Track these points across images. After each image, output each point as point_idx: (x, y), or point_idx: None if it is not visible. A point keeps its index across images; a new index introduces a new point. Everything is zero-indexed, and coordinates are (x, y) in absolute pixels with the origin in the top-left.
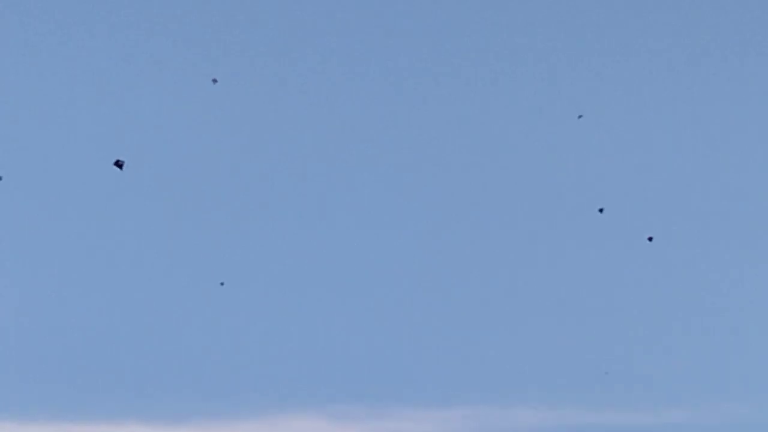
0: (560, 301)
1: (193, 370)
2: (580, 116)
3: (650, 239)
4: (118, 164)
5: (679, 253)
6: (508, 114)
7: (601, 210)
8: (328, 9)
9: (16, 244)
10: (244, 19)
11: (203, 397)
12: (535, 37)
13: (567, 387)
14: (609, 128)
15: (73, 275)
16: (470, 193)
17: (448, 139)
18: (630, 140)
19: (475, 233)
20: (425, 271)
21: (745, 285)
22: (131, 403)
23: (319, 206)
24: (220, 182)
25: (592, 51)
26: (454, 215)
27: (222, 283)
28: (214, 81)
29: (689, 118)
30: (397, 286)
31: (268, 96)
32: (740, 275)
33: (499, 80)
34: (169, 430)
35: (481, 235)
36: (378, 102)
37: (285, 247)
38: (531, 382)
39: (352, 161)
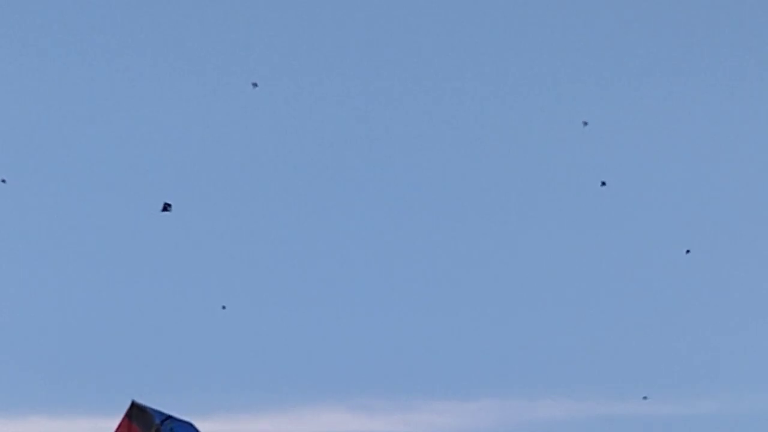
0: (583, 296)
1: (220, 365)
2: (585, 123)
3: (688, 252)
4: (166, 207)
5: (703, 253)
6: (521, 117)
7: (603, 183)
8: (336, 19)
9: (48, 244)
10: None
11: (230, 391)
12: (538, 39)
13: (589, 379)
14: (625, 131)
15: (99, 279)
16: (486, 191)
17: (457, 142)
18: (643, 141)
19: (498, 231)
20: (450, 267)
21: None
22: (162, 398)
23: (342, 204)
24: (236, 180)
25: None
26: (478, 214)
27: (224, 307)
28: (254, 85)
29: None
30: (421, 281)
31: (271, 101)
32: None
33: (505, 82)
34: (199, 422)
35: (505, 232)
36: (378, 106)
37: (308, 245)
38: (553, 375)
39: (369, 162)
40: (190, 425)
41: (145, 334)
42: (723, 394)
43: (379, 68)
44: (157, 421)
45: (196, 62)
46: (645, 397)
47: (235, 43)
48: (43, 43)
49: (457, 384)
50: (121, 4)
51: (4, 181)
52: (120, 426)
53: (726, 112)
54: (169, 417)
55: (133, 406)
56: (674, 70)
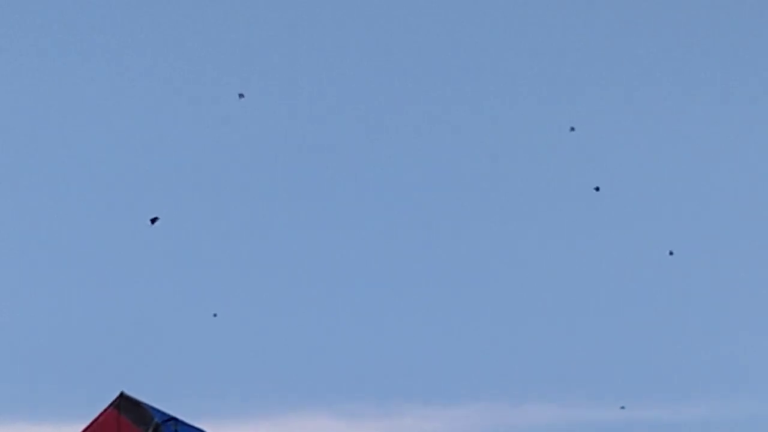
0: (569, 301)
1: (206, 371)
2: (572, 128)
3: (671, 253)
4: (153, 220)
5: (692, 257)
6: (514, 121)
7: (597, 188)
8: (336, 30)
9: (38, 250)
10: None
11: (214, 398)
12: (535, 43)
13: (576, 384)
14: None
15: (86, 284)
16: (474, 198)
17: (462, 145)
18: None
19: (486, 236)
20: (434, 272)
21: (759, 287)
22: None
23: (328, 210)
24: (236, 186)
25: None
26: (468, 218)
27: (215, 315)
28: (241, 96)
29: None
30: (406, 286)
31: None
32: (754, 278)
33: (497, 86)
34: None
35: (492, 237)
36: (374, 109)
37: (295, 252)
38: (540, 380)
39: (368, 165)
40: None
41: (131, 339)
42: (712, 399)
43: (375, 72)
44: (158, 419)
45: (193, 64)
46: (623, 407)
47: (234, 43)
48: (42, 43)
49: (443, 389)
50: (120, 6)
51: None
52: (104, 415)
53: (717, 116)
54: (174, 419)
55: (123, 397)
56: (665, 75)
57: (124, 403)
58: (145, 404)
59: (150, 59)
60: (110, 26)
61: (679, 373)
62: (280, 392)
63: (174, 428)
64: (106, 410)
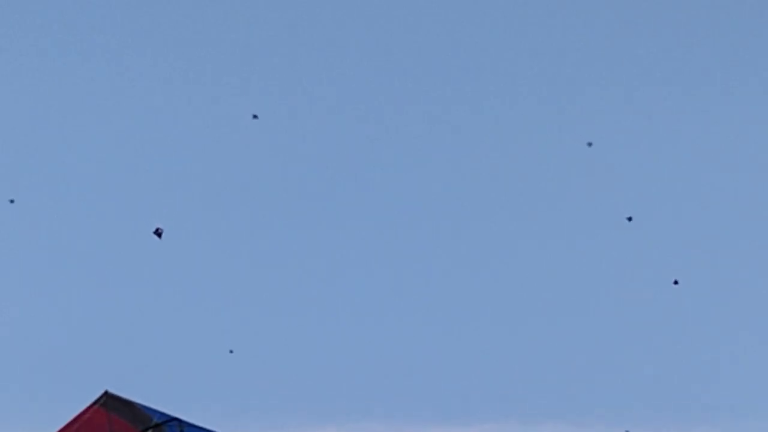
0: (584, 321)
1: (215, 388)
2: (590, 144)
3: (676, 282)
4: (158, 233)
5: (708, 281)
6: (525, 133)
7: (629, 218)
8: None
9: (42, 262)
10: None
11: (227, 416)
12: (549, 54)
13: (589, 404)
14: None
15: (89, 292)
16: (483, 196)
17: (462, 145)
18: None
19: (497, 256)
20: (446, 291)
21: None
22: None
23: (342, 225)
24: (235, 185)
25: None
26: (477, 237)
27: (231, 351)
28: (255, 117)
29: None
30: (417, 305)
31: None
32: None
33: (508, 96)
34: None
35: (503, 257)
36: (377, 108)
37: (305, 269)
38: (552, 400)
39: (378, 178)
40: None
41: (139, 355)
42: (722, 420)
43: (375, 72)
44: (158, 419)
45: (194, 64)
46: (627, 431)
47: (234, 43)
48: (42, 44)
49: (454, 409)
50: (120, 6)
51: (12, 201)
52: (90, 412)
53: (721, 118)
54: (177, 419)
55: (108, 396)
56: (666, 74)
57: (111, 402)
58: (139, 404)
59: (150, 59)
60: (110, 26)
61: (685, 397)
62: (290, 411)
63: (179, 429)
64: (90, 408)
